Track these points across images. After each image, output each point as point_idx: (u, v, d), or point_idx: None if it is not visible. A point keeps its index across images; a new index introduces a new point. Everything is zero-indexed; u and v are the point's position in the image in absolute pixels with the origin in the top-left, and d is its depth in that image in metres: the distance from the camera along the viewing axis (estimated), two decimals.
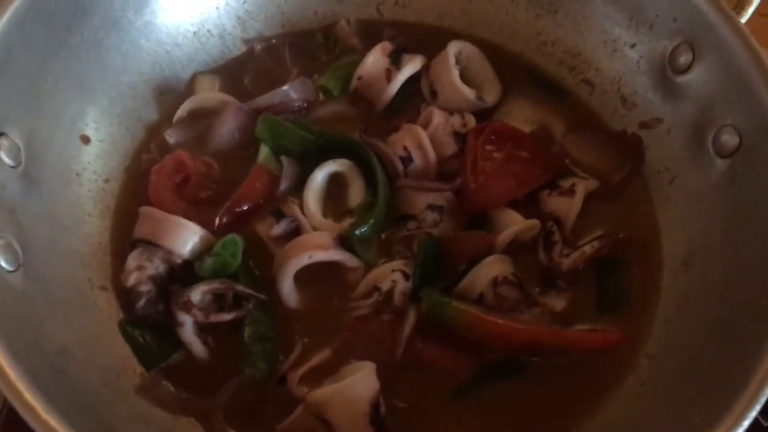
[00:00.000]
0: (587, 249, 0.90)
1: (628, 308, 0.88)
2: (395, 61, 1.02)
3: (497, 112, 1.03)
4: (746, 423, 0.63)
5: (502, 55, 1.08)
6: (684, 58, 0.93)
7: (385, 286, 0.86)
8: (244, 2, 1.06)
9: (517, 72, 1.07)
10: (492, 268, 0.86)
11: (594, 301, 0.89)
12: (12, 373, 0.64)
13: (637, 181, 0.97)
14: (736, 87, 0.86)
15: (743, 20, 0.90)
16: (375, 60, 1.01)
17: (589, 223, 0.93)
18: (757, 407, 0.64)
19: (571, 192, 0.93)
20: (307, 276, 0.86)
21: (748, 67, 0.84)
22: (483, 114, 1.01)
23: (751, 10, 0.91)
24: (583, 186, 0.93)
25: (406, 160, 0.94)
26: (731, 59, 0.86)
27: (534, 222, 0.90)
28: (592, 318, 0.88)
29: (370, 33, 1.08)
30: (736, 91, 0.86)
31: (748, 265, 0.80)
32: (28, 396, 0.64)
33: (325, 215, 0.92)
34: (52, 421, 0.63)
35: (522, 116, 1.03)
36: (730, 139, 0.87)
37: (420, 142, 0.94)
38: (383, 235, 0.91)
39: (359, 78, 1.01)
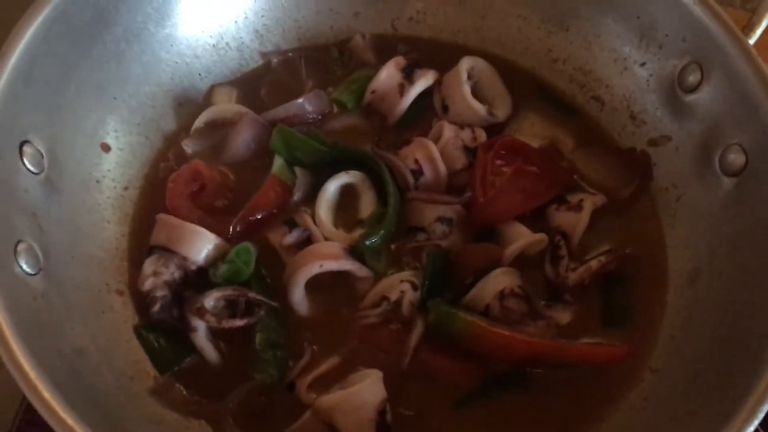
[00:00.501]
0: (594, 264, 0.91)
1: (633, 323, 0.90)
2: (408, 75, 1.04)
3: (508, 127, 1.05)
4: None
5: (513, 71, 1.10)
6: (693, 78, 0.94)
7: (393, 296, 0.87)
8: (262, 16, 1.09)
9: (528, 88, 1.09)
10: (499, 281, 0.87)
11: (599, 316, 0.90)
12: (31, 372, 0.66)
13: (644, 198, 0.99)
14: (744, 107, 0.87)
15: (752, 41, 0.92)
16: (388, 74, 1.03)
17: (596, 239, 0.95)
18: (755, 422, 0.65)
19: (578, 207, 0.94)
20: (318, 285, 0.88)
21: (756, 87, 0.86)
22: (494, 129, 1.03)
23: (759, 31, 0.92)
24: (590, 201, 0.95)
25: (417, 173, 0.96)
26: (739, 79, 0.87)
27: (541, 236, 0.92)
28: (598, 332, 0.89)
29: (385, 48, 1.10)
30: (743, 111, 0.87)
31: (752, 282, 0.81)
32: (46, 394, 0.66)
33: (336, 226, 0.94)
34: (69, 419, 0.65)
35: (532, 132, 1.05)
36: (737, 158, 0.88)
37: (431, 155, 0.96)
38: (393, 246, 0.93)
39: (373, 92, 1.04)
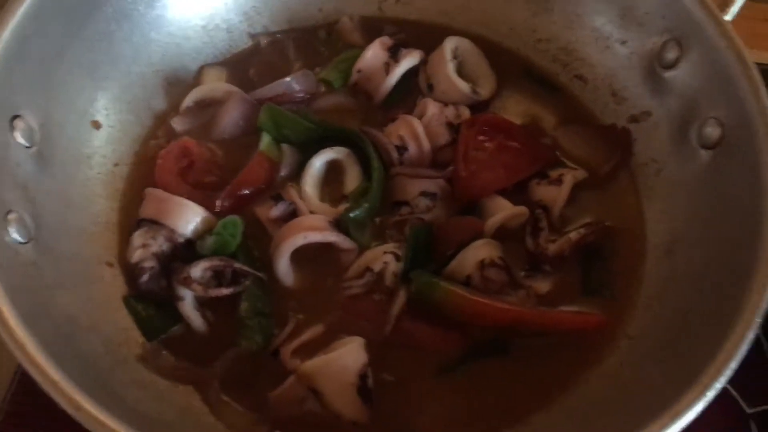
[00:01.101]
0: (573, 235, 0.93)
1: (612, 293, 0.92)
2: (394, 55, 1.06)
3: (492, 105, 1.07)
4: (710, 394, 0.67)
5: (499, 51, 1.12)
6: (672, 54, 0.96)
7: (377, 267, 0.89)
8: None
9: (513, 68, 1.11)
10: (480, 252, 0.89)
11: (579, 285, 0.92)
12: (21, 334, 0.68)
13: (624, 173, 1.01)
14: (720, 81, 0.89)
15: (728, 18, 0.94)
16: (374, 54, 1.05)
17: (576, 212, 0.97)
18: (722, 380, 0.67)
19: (559, 181, 0.96)
20: (304, 256, 0.90)
21: (731, 62, 0.88)
22: (478, 107, 1.05)
23: (734, 8, 0.94)
24: (571, 176, 0.97)
25: (401, 148, 0.98)
26: (715, 55, 0.89)
27: (522, 209, 0.94)
28: (577, 301, 0.91)
29: (372, 30, 1.12)
30: (719, 86, 0.89)
31: (725, 252, 0.82)
32: (37, 356, 0.68)
33: (322, 200, 0.96)
34: (61, 381, 0.67)
35: (516, 110, 1.07)
36: (713, 131, 0.90)
37: (415, 131, 0.98)
38: (377, 220, 0.95)
39: (359, 71, 1.06)
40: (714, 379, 0.67)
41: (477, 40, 1.10)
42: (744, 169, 0.84)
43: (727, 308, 0.75)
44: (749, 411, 0.97)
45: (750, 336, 0.69)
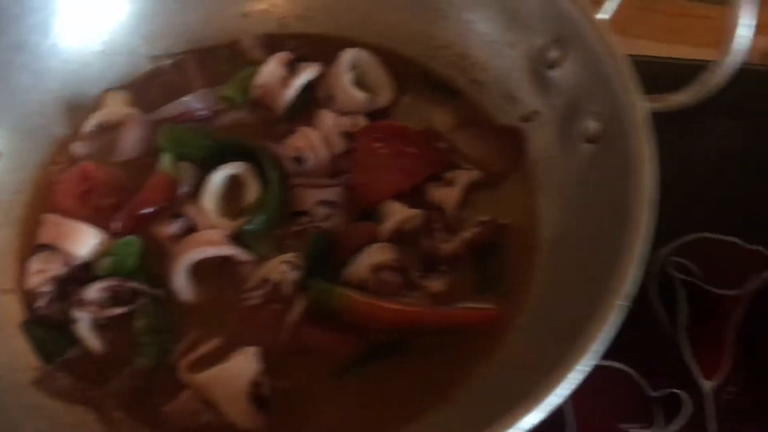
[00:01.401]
0: (467, 234, 0.96)
1: (504, 288, 0.94)
2: (292, 70, 1.08)
3: (392, 113, 1.09)
4: (571, 375, 0.69)
5: (398, 60, 1.14)
6: (554, 54, 1.00)
7: (274, 277, 0.91)
8: (150, 22, 1.12)
9: (412, 75, 1.13)
10: (373, 256, 0.91)
11: (473, 283, 0.94)
12: None
13: (518, 171, 1.03)
14: (596, 77, 0.92)
15: (604, 15, 0.98)
16: (272, 70, 1.08)
17: (472, 212, 0.99)
18: (585, 362, 0.69)
19: (453, 183, 0.99)
20: (204, 271, 0.92)
21: (605, 59, 0.91)
22: (379, 115, 1.07)
23: (608, 5, 0.98)
24: (465, 177, 0.99)
25: (299, 160, 1.00)
26: (590, 52, 0.93)
27: (415, 212, 0.96)
28: (471, 298, 0.93)
29: (274, 46, 1.14)
30: (596, 81, 0.92)
31: (603, 242, 0.84)
32: None
33: (223, 215, 0.97)
34: None
35: (415, 116, 1.09)
36: (593, 126, 0.93)
37: (311, 142, 1.00)
38: (276, 231, 0.96)
39: (258, 87, 1.08)
40: (575, 362, 0.69)
41: (377, 50, 1.13)
42: (618, 161, 0.86)
43: (597, 295, 0.77)
44: (653, 394, 0.99)
45: (612, 319, 0.72)
